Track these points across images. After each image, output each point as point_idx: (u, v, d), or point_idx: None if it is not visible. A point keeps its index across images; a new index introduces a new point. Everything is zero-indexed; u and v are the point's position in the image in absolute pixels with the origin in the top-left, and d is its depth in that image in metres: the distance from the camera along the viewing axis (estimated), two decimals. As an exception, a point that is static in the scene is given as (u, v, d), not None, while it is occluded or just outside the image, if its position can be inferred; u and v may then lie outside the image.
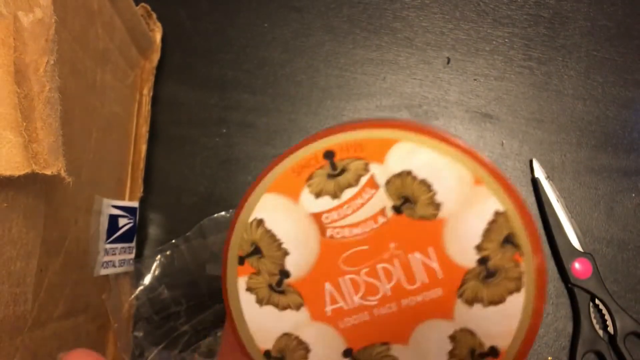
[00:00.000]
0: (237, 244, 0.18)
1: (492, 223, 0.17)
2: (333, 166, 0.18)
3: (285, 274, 0.18)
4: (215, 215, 0.38)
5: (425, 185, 0.17)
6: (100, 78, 0.30)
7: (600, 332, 0.37)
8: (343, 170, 0.18)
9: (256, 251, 0.18)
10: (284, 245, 0.18)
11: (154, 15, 0.39)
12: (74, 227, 0.29)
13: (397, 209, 0.17)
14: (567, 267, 0.38)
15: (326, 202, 0.18)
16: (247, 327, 0.19)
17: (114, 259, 0.35)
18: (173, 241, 0.38)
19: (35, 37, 0.18)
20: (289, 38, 0.42)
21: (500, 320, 0.17)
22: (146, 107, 0.39)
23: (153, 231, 0.40)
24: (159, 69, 0.40)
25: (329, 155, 0.18)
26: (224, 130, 0.41)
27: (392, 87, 0.41)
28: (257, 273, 0.18)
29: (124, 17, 0.33)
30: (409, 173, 0.17)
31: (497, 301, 0.17)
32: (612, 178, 0.40)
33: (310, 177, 0.18)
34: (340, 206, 0.18)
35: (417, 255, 0.17)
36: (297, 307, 0.18)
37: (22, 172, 0.18)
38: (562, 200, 0.39)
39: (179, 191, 0.40)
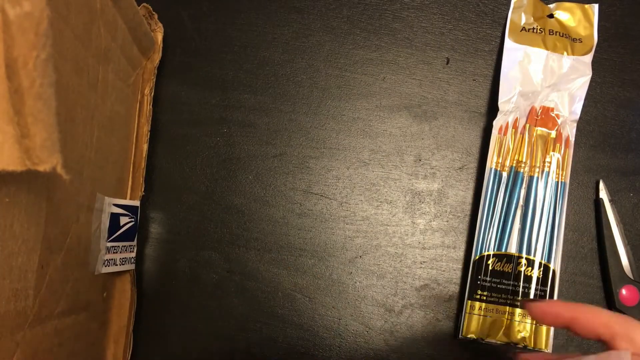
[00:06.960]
0: None
1: None
2: None
3: None
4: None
5: None
6: (102, 77, 0.31)
7: None
8: None
9: None
10: None
11: (156, 16, 0.39)
12: (76, 225, 0.29)
13: None
14: (614, 292, 0.37)
15: None
16: None
17: (115, 257, 0.35)
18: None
19: (23, 31, 0.17)
20: (290, 38, 0.42)
21: None
22: (147, 107, 0.39)
23: (154, 230, 0.40)
24: (160, 68, 0.41)
25: None
26: (225, 130, 0.41)
27: (391, 87, 0.42)
28: None
29: (126, 17, 0.33)
30: None
31: None
32: (610, 178, 0.40)
33: None
34: None
35: None
36: None
37: (18, 168, 0.18)
38: (621, 226, 0.38)
39: (180, 190, 0.41)
